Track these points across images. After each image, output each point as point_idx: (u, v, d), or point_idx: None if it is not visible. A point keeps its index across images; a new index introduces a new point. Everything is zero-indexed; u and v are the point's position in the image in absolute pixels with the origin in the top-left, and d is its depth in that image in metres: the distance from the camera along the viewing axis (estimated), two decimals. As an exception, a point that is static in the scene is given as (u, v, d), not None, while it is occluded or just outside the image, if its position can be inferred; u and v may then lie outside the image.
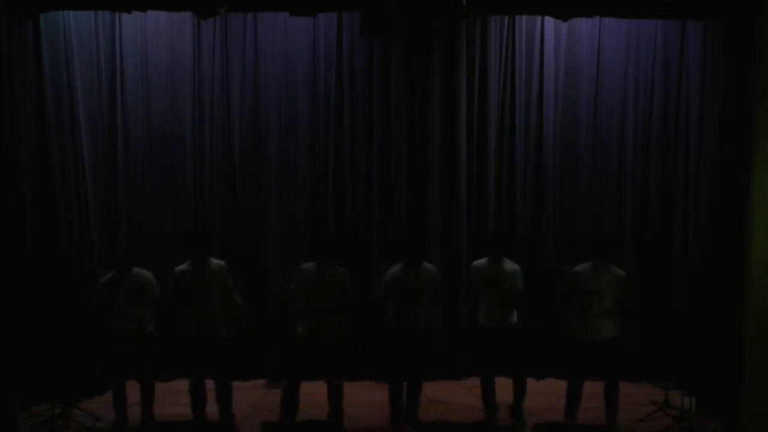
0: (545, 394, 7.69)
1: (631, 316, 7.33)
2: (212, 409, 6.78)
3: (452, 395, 7.77)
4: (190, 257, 6.71)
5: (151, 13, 7.60)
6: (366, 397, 7.57)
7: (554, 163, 8.15)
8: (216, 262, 6.75)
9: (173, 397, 7.24)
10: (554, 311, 7.46)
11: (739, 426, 6.76)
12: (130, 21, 7.74)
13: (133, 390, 6.82)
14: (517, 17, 7.98)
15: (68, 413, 6.99)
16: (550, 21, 7.89)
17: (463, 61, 7.98)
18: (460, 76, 7.98)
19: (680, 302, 7.74)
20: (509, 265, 6.98)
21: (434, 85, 7.99)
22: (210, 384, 6.78)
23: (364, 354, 8.03)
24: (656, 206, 8.09)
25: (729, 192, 7.02)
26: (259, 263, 8.05)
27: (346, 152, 8.13)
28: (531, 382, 7.89)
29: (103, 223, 7.77)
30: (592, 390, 7.04)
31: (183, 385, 6.95)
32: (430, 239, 8.02)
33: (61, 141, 7.33)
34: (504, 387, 7.08)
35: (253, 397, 7.48)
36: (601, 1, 6.87)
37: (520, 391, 7.06)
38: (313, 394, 6.93)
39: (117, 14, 7.54)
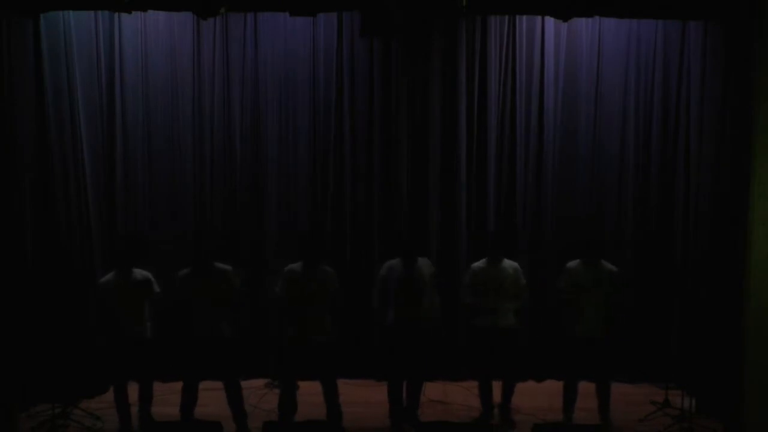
0: (545, 394, 7.71)
1: (625, 313, 7.36)
2: (201, 409, 6.81)
3: (452, 395, 7.78)
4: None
5: (151, 13, 7.59)
6: (366, 397, 7.58)
7: (554, 163, 8.14)
8: (140, 272, 6.77)
9: (173, 397, 7.23)
10: (553, 310, 7.48)
11: (739, 426, 6.75)
12: (130, 21, 7.74)
13: (131, 390, 6.83)
14: (517, 17, 7.97)
15: (68, 413, 6.99)
16: (550, 21, 7.88)
17: (463, 61, 7.97)
18: (460, 76, 7.97)
19: (680, 302, 7.74)
20: (508, 264, 6.99)
21: (434, 85, 7.98)
22: (204, 385, 6.82)
23: (363, 353, 8.04)
24: (656, 206, 8.08)
25: (729, 192, 7.02)
26: (259, 263, 8.05)
27: (346, 152, 8.12)
28: (531, 383, 7.93)
29: (103, 223, 7.78)
30: (592, 390, 7.05)
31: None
32: (429, 238, 8.02)
33: (61, 141, 7.34)
34: (499, 386, 7.11)
35: (253, 397, 7.47)
36: (601, 1, 6.86)
37: (508, 391, 7.08)
38: (313, 393, 6.94)
39: (117, 14, 7.54)
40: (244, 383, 7.11)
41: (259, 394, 7.63)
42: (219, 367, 6.78)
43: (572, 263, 7.03)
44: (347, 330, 7.93)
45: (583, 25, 7.97)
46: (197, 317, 6.65)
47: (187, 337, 6.72)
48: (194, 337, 6.69)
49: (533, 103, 8.09)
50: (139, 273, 6.76)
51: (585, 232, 7.62)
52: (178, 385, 6.91)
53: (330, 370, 6.86)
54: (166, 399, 7.09)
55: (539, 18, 7.92)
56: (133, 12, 7.13)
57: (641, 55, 7.98)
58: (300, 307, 6.71)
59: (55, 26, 7.22)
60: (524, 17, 7.96)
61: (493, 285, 6.91)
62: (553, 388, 7.71)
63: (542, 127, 8.08)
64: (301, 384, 7.09)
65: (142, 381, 6.79)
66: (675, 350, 7.88)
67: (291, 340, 6.77)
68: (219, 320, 6.68)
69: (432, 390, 7.67)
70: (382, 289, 6.96)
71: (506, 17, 7.98)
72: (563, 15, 6.99)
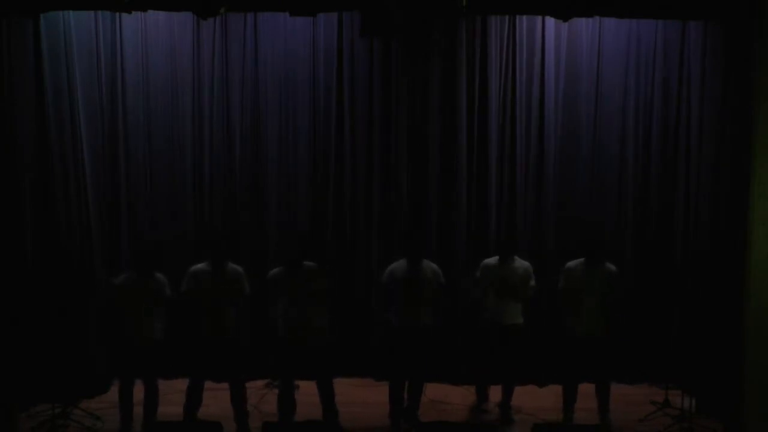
0: (546, 394, 7.70)
1: (623, 313, 7.36)
2: (202, 409, 6.80)
3: (452, 396, 7.77)
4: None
5: (151, 13, 7.59)
6: (364, 397, 7.58)
7: (554, 163, 8.13)
8: (159, 276, 6.76)
9: (176, 396, 7.24)
10: (554, 310, 7.49)
11: (739, 426, 6.76)
12: (130, 21, 7.74)
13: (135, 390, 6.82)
14: (517, 17, 7.96)
15: (68, 413, 6.99)
16: (550, 21, 7.87)
17: (463, 61, 7.97)
18: (460, 76, 7.97)
19: (680, 301, 7.74)
20: (520, 263, 7.01)
21: (434, 85, 7.98)
22: (205, 385, 6.82)
23: (362, 352, 8.04)
24: (657, 206, 8.07)
25: (729, 192, 7.02)
26: (258, 263, 8.03)
27: (346, 152, 8.12)
28: (533, 387, 7.92)
29: (103, 223, 7.78)
30: (592, 390, 7.05)
31: (184, 384, 6.96)
32: (430, 238, 8.01)
33: (61, 141, 7.33)
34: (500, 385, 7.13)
35: (253, 397, 7.47)
36: (601, 1, 6.86)
37: (509, 391, 7.08)
38: (312, 393, 6.94)
39: (117, 14, 7.54)
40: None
41: (259, 394, 7.63)
42: (225, 368, 6.78)
43: (572, 263, 7.04)
44: (347, 330, 7.94)
45: (583, 25, 7.96)
46: (207, 315, 6.65)
47: (196, 336, 6.72)
48: (203, 337, 6.70)
49: (533, 103, 8.08)
50: (158, 276, 6.76)
51: (585, 232, 7.63)
52: (181, 383, 6.91)
53: (325, 370, 6.86)
54: (169, 398, 7.09)
55: (539, 18, 7.91)
56: (133, 12, 7.13)
57: (641, 55, 7.97)
58: (295, 308, 6.70)
59: (55, 26, 7.21)
60: (524, 17, 7.95)
61: (500, 283, 6.92)
62: (553, 388, 7.71)
63: (542, 127, 8.07)
64: (301, 384, 7.10)
65: (150, 383, 6.76)
66: (675, 350, 7.88)
67: (287, 340, 6.77)
68: (227, 320, 6.68)
69: (432, 390, 7.67)
70: (385, 290, 6.96)
71: (506, 17, 7.97)
72: (563, 15, 6.99)
